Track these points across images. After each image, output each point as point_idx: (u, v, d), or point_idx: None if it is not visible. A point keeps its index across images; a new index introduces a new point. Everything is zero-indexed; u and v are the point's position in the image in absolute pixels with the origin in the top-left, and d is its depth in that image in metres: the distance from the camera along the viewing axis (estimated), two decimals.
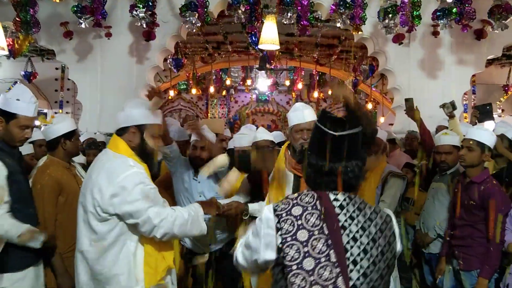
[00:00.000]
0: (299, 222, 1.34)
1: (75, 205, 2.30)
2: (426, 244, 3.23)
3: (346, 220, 1.35)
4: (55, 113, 9.17)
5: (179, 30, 5.17)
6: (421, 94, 5.09)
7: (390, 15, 4.32)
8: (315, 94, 10.27)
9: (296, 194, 1.43)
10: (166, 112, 12.48)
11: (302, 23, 4.65)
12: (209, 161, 3.02)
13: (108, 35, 4.95)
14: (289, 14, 4.45)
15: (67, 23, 5.00)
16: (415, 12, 4.33)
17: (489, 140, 2.82)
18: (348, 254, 1.32)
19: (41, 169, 2.72)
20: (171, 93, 10.21)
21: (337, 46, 7.31)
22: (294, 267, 1.30)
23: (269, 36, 4.38)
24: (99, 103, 5.20)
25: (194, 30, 4.63)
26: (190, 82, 9.61)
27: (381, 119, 10.55)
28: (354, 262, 1.31)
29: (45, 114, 9.43)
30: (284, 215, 1.37)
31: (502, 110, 8.93)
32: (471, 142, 2.81)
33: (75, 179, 2.76)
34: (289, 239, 1.33)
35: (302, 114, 2.50)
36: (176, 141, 3.19)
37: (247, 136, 3.42)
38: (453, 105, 3.67)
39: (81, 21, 4.52)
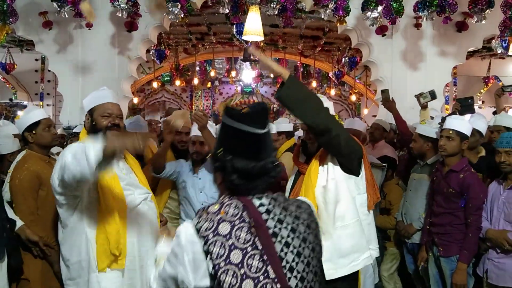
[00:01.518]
0: (230, 242, 1.20)
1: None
2: (411, 234, 3.27)
3: (275, 226, 1.26)
4: (35, 105, 8.99)
5: (162, 21, 5.10)
6: (404, 86, 5.15)
7: (372, 7, 4.34)
8: None
9: (216, 206, 1.28)
10: (150, 104, 12.36)
11: (287, 14, 4.64)
12: (205, 155, 3.04)
13: (89, 25, 4.85)
14: (272, 5, 4.43)
15: (46, 13, 4.88)
16: (395, 4, 4.36)
17: (467, 129, 2.90)
18: (284, 263, 1.23)
19: (18, 163, 2.67)
20: (155, 85, 10.09)
21: (321, 38, 7.32)
22: None
23: (253, 27, 4.36)
24: (80, 95, 5.11)
25: (177, 21, 4.58)
26: (174, 73, 9.51)
27: (365, 111, 10.65)
28: (291, 269, 1.24)
29: (25, 106, 9.24)
30: (210, 236, 1.21)
31: (483, 102, 9.09)
32: (450, 132, 2.87)
33: None
34: (222, 264, 1.19)
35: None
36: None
37: None
38: (432, 95, 3.71)
39: (61, 11, 4.42)
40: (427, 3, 4.28)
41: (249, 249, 1.20)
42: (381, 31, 4.68)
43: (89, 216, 2.05)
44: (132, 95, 5.70)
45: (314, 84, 10.52)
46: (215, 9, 5.26)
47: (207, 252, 1.21)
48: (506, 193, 2.74)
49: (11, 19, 4.51)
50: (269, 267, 1.20)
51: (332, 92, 11.07)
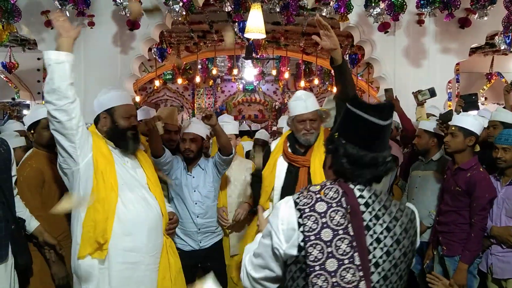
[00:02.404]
0: (323, 220, 1.25)
1: (62, 195, 2.30)
2: (421, 232, 3.26)
3: (371, 220, 1.29)
4: (37, 104, 9.02)
5: (164, 19, 5.09)
6: (406, 83, 5.13)
7: (375, 3, 4.33)
8: (302, 83, 10.28)
9: (318, 187, 1.33)
10: (152, 102, 12.37)
11: (289, 11, 4.63)
12: (199, 153, 3.02)
13: (91, 24, 4.86)
14: (275, 2, 4.42)
15: (48, 12, 4.88)
16: (397, 1, 4.35)
17: (472, 125, 2.83)
18: (370, 256, 1.27)
19: (24, 161, 2.71)
20: (157, 83, 10.11)
21: None
22: (317, 267, 1.23)
23: (255, 24, 4.35)
24: (82, 94, 5.10)
25: (179, 19, 4.57)
26: (176, 72, 9.52)
27: None
28: (376, 265, 1.27)
29: (28, 105, 9.26)
30: (307, 210, 1.27)
31: (485, 98, 9.06)
32: (453, 128, 2.84)
33: None
34: (312, 237, 1.24)
35: (305, 104, 2.42)
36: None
37: (231, 124, 3.42)
38: (431, 92, 3.67)
39: (63, 9, 4.42)
40: (430, 0, 4.26)
41: (340, 232, 1.24)
42: (384, 28, 4.66)
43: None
44: (135, 94, 5.70)
45: (316, 81, 10.51)
46: (217, 7, 5.25)
47: (300, 224, 1.27)
48: (504, 190, 2.73)
49: (15, 18, 4.50)
50: (355, 254, 1.23)
51: (335, 89, 11.07)
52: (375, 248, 1.27)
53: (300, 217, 1.27)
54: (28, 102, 9.20)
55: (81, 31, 5.09)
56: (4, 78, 8.74)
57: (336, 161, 1.36)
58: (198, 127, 3.04)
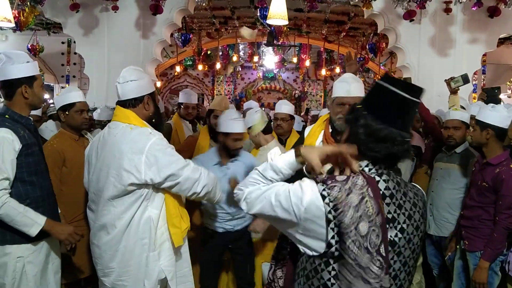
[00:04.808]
0: (359, 213, 1.20)
1: (81, 177, 2.34)
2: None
3: (395, 211, 1.26)
4: (62, 87, 9.20)
5: (187, 4, 5.10)
6: (431, 73, 5.03)
7: None
8: (323, 72, 10.17)
9: (344, 176, 1.26)
10: (172, 89, 12.45)
11: None
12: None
13: (115, 8, 4.90)
14: None
15: None
16: None
17: (488, 117, 2.70)
18: (396, 247, 1.25)
19: (49, 140, 2.82)
20: (177, 69, 10.15)
21: (347, 23, 7.19)
22: (353, 263, 1.19)
23: (278, 10, 4.30)
24: (106, 77, 5.19)
25: (203, 4, 4.56)
26: (197, 58, 9.53)
27: None
28: (399, 254, 1.26)
29: (52, 88, 9.45)
30: (339, 206, 1.20)
31: None
32: (473, 122, 2.79)
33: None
34: (348, 231, 1.19)
35: (348, 87, 2.27)
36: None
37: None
38: (465, 79, 3.53)
39: None
40: None
41: (372, 223, 1.21)
42: (409, 16, 4.56)
43: (154, 196, 2.10)
44: (156, 78, 5.75)
45: (337, 70, 10.39)
46: None
47: (330, 221, 1.21)
48: None
49: (41, 2, 4.56)
50: (382, 246, 1.21)
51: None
52: (400, 239, 1.25)
53: (331, 212, 1.20)
54: (52, 85, 9.38)
55: (105, 15, 5.17)
56: None
57: (353, 131, 1.31)
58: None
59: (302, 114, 10.29)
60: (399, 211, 1.26)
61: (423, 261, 3.58)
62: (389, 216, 1.24)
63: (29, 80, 2.19)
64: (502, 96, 7.82)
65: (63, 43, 9.03)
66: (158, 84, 9.17)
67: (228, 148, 2.89)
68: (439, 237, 3.22)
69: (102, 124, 3.98)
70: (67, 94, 2.86)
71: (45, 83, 9.13)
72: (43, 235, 2.20)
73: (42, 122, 3.98)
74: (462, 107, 3.65)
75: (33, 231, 2.12)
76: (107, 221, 2.09)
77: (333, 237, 1.21)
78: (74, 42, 5.49)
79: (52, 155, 2.65)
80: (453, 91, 3.61)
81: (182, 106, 4.39)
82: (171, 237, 2.12)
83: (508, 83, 8.65)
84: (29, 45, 7.62)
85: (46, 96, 7.77)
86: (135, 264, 2.08)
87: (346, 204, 1.20)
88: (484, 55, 6.69)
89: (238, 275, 3.09)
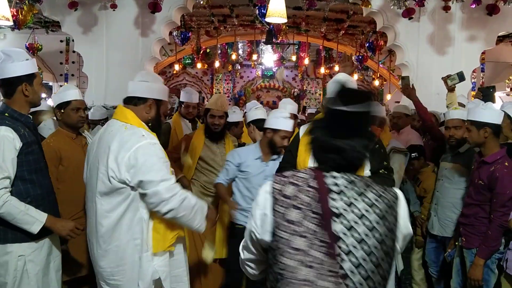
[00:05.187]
0: (291, 201, 1.27)
1: (78, 175, 2.35)
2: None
3: (343, 208, 1.27)
4: (60, 86, 9.19)
5: (186, 2, 5.09)
6: (429, 71, 5.03)
7: None
8: (322, 70, 10.17)
9: (292, 172, 1.35)
10: (171, 87, 12.44)
11: None
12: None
13: (113, 6, 4.89)
14: None
15: None
16: None
17: (483, 116, 2.70)
18: (341, 243, 1.24)
19: (46, 138, 2.80)
20: (176, 67, 10.14)
21: (345, 21, 7.19)
22: (287, 248, 1.24)
23: (277, 8, 4.30)
24: (105, 76, 5.18)
25: (201, 2, 4.56)
26: (196, 56, 9.52)
27: (388, 96, 10.47)
28: (348, 253, 1.24)
29: (51, 87, 9.43)
30: (278, 195, 1.30)
31: (511, 89, 8.81)
32: (466, 124, 2.79)
33: (83, 150, 2.78)
34: (283, 221, 1.26)
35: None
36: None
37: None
38: (460, 76, 3.56)
39: None
40: None
41: (309, 212, 1.26)
42: (408, 14, 4.57)
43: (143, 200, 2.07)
44: None
45: (336, 68, 10.40)
46: None
47: (274, 210, 1.29)
48: None
49: (39, 0, 4.56)
50: (324, 231, 1.24)
51: (355, 76, 10.92)
52: (345, 235, 1.25)
53: (274, 203, 1.29)
54: (51, 83, 9.37)
55: (103, 13, 5.16)
56: None
57: (310, 146, 1.39)
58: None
59: (300, 112, 10.30)
60: (348, 209, 1.27)
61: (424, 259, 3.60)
62: (336, 211, 1.26)
63: (29, 78, 2.18)
64: (500, 94, 7.83)
65: (61, 41, 9.01)
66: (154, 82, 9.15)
67: (273, 145, 2.92)
68: (443, 237, 3.21)
69: (100, 123, 3.97)
70: (63, 92, 2.84)
71: (44, 82, 9.13)
72: (44, 233, 2.20)
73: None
74: (462, 105, 3.65)
75: (35, 229, 2.12)
76: (96, 218, 2.10)
77: (276, 226, 1.29)
78: (73, 40, 5.49)
79: (49, 154, 2.63)
80: (450, 89, 3.62)
81: (183, 105, 4.37)
82: (160, 242, 2.11)
83: (507, 81, 8.65)
84: (27, 44, 7.60)
85: (43, 95, 7.76)
86: (129, 264, 2.08)
87: (283, 195, 1.29)
88: (483, 53, 6.70)
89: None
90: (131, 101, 2.15)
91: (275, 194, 1.30)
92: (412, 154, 3.48)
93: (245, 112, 4.39)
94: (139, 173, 1.97)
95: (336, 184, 1.29)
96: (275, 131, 2.89)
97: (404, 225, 1.35)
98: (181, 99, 4.43)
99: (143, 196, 2.03)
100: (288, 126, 2.89)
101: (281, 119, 2.90)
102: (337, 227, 1.25)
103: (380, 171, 2.40)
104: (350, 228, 1.25)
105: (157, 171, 2.00)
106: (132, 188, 2.02)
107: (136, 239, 2.06)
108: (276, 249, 1.27)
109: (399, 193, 1.37)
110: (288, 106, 3.74)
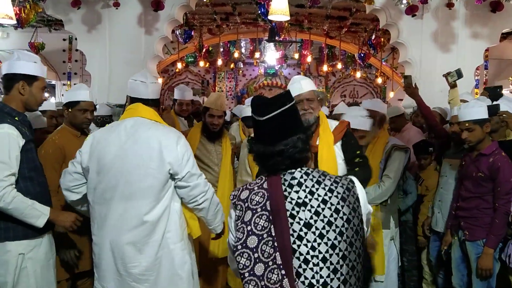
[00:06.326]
0: (246, 204, 1.40)
1: None
2: None
3: (306, 196, 1.38)
4: (63, 84, 9.20)
5: (188, 0, 5.09)
6: (433, 68, 5.01)
7: None
8: (325, 67, 10.15)
9: (253, 181, 1.49)
10: (173, 86, 12.44)
11: None
12: None
13: (116, 4, 4.88)
14: None
15: None
16: None
17: (483, 112, 2.79)
18: (313, 229, 1.35)
19: (50, 136, 2.83)
20: (179, 65, 10.14)
21: (348, 18, 7.16)
22: (239, 247, 1.35)
23: (279, 6, 4.30)
24: (108, 74, 5.19)
25: (204, 0, 4.55)
26: (198, 54, 9.52)
27: (391, 94, 10.44)
28: (321, 236, 1.34)
29: (53, 85, 9.45)
30: (236, 202, 1.44)
31: None
32: (467, 124, 2.80)
33: None
34: (239, 223, 1.39)
35: (300, 85, 2.46)
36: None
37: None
38: (458, 73, 3.60)
39: None
40: None
41: (259, 210, 1.39)
42: (411, 11, 4.55)
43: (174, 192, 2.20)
44: (158, 75, 5.75)
45: (339, 66, 10.37)
46: None
47: (235, 216, 1.44)
48: None
49: None
50: (272, 226, 1.35)
51: (358, 74, 10.89)
52: (316, 221, 1.36)
53: (234, 209, 1.44)
54: (53, 82, 9.38)
55: (106, 12, 5.16)
56: None
57: (255, 161, 1.50)
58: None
59: None
60: (310, 197, 1.38)
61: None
62: (299, 201, 1.38)
63: (29, 79, 2.23)
64: (504, 91, 7.79)
65: (64, 40, 9.02)
66: (160, 81, 9.17)
67: None
68: (437, 232, 3.24)
69: (97, 121, 3.91)
70: (74, 91, 2.87)
71: (47, 80, 9.14)
72: (43, 230, 2.23)
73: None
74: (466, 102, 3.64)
75: (41, 222, 2.16)
76: (138, 214, 2.11)
77: (235, 229, 1.43)
78: (76, 39, 5.49)
79: (54, 151, 2.66)
80: (452, 85, 3.63)
81: (176, 103, 4.33)
82: (191, 228, 2.26)
83: (510, 78, 8.61)
84: (29, 43, 7.61)
85: (46, 94, 7.78)
86: (165, 255, 2.15)
87: (239, 199, 1.43)
88: (487, 50, 6.67)
89: None
90: (151, 103, 2.26)
91: (233, 200, 1.45)
92: (430, 149, 3.54)
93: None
94: (188, 165, 2.14)
95: (293, 178, 1.41)
96: (352, 130, 2.76)
97: (364, 205, 1.47)
98: (174, 97, 4.39)
99: (181, 188, 2.16)
100: (365, 125, 2.83)
101: (360, 118, 2.83)
102: (306, 215, 1.36)
103: (356, 160, 2.49)
104: (317, 214, 1.37)
105: (196, 166, 2.20)
106: (176, 179, 2.14)
107: (170, 231, 2.15)
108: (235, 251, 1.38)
109: (354, 178, 1.50)
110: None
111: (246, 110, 3.60)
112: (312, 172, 1.44)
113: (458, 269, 2.99)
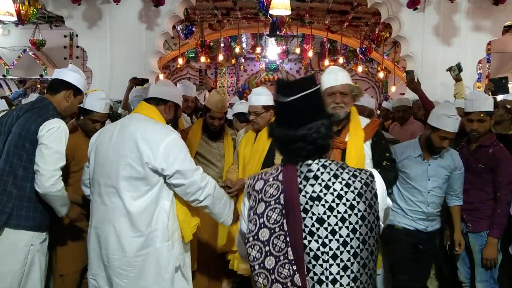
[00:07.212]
0: (260, 195, 1.38)
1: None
2: None
3: (321, 191, 1.33)
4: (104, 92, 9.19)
5: None
6: (435, 62, 4.99)
7: None
8: (326, 62, 10.12)
9: (266, 169, 1.48)
10: (175, 82, 12.43)
11: None
12: None
13: (117, 0, 4.88)
14: None
15: None
16: None
17: (491, 105, 2.85)
18: (325, 225, 1.31)
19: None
20: (180, 61, 10.14)
21: (349, 13, 7.14)
22: (251, 239, 1.34)
23: (280, 0, 4.29)
24: (109, 70, 5.18)
25: None
26: (199, 50, 9.51)
27: (393, 88, 10.42)
28: (333, 232, 1.31)
29: None
30: (250, 191, 1.42)
31: None
32: (481, 115, 2.79)
33: None
34: (251, 214, 1.38)
35: (335, 76, 2.35)
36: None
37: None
38: (458, 67, 3.63)
39: None
40: None
41: (272, 202, 1.36)
42: (413, 4, 4.53)
43: (167, 190, 2.16)
44: (159, 71, 5.74)
45: (341, 60, 10.34)
46: None
47: (248, 205, 1.43)
48: None
49: None
50: (284, 221, 1.33)
51: (359, 69, 10.87)
52: (329, 217, 1.32)
53: (248, 199, 1.43)
54: None
55: (107, 8, 5.15)
56: (33, 56, 8.92)
57: (275, 146, 1.47)
58: None
59: None
60: (326, 191, 1.34)
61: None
62: (314, 195, 1.34)
63: (76, 91, 2.49)
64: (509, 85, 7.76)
65: (65, 36, 9.04)
66: (161, 77, 9.16)
67: (431, 143, 2.70)
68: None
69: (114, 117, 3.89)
70: (92, 100, 2.81)
71: (48, 77, 9.16)
72: (49, 225, 2.38)
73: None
74: None
75: (65, 211, 2.40)
76: (123, 204, 2.10)
77: (248, 216, 1.42)
78: (77, 35, 5.48)
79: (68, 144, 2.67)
80: (457, 79, 3.63)
81: None
82: (181, 232, 2.21)
83: None
84: (31, 39, 7.62)
85: None
86: (152, 252, 2.11)
87: (254, 189, 1.42)
88: (489, 43, 6.64)
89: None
90: (153, 101, 2.29)
91: (248, 190, 1.43)
92: (397, 140, 3.51)
93: None
94: (175, 163, 2.08)
95: (310, 170, 1.36)
96: (435, 129, 2.64)
97: (382, 200, 1.41)
98: None
99: (176, 187, 2.13)
100: (452, 127, 2.61)
101: (449, 118, 2.61)
102: (319, 210, 1.33)
103: (383, 163, 2.42)
104: (332, 209, 1.33)
105: (190, 162, 2.15)
106: (165, 177, 2.10)
107: (157, 229, 2.11)
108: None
109: (374, 172, 1.43)
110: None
111: (239, 106, 3.61)
112: (330, 164, 1.38)
113: (463, 262, 2.99)
